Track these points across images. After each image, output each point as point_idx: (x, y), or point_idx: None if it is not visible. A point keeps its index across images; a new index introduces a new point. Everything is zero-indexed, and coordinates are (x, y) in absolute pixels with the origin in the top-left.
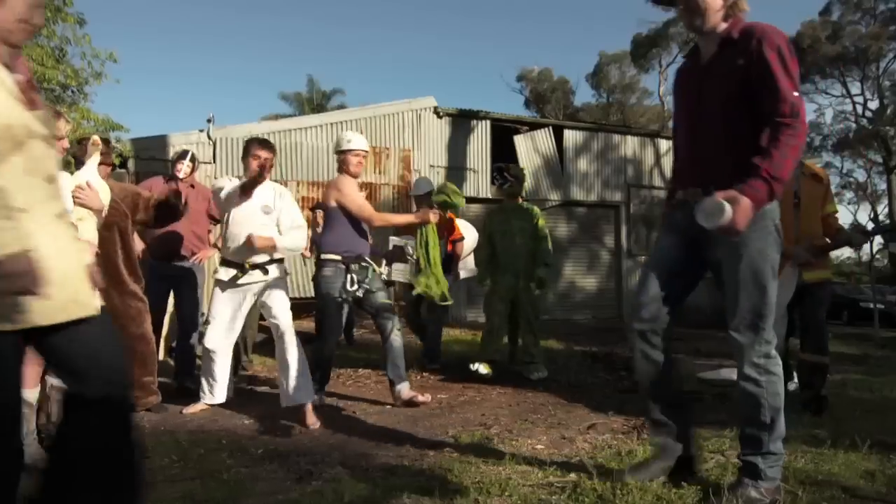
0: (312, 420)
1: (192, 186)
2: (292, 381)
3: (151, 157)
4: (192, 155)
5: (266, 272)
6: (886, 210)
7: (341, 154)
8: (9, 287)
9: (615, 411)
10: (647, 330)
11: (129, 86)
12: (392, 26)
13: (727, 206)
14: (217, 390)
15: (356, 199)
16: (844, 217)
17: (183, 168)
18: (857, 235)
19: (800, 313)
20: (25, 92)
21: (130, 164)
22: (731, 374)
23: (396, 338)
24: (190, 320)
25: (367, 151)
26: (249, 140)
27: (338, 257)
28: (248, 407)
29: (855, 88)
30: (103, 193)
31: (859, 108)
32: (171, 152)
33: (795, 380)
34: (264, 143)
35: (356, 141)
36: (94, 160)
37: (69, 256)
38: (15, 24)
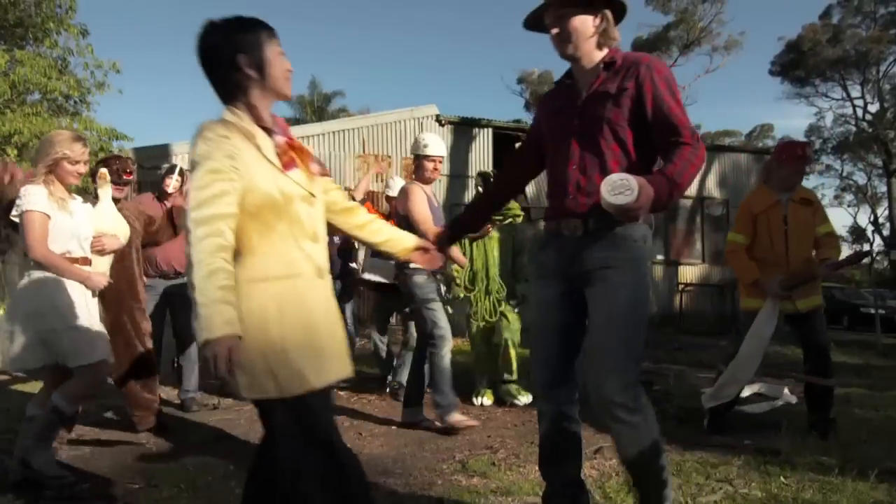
0: None
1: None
2: None
3: (154, 166)
4: (181, 169)
5: None
6: (887, 213)
7: (416, 158)
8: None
9: None
10: (561, 402)
11: (132, 93)
12: (392, 28)
13: (636, 185)
14: None
15: (421, 211)
16: (844, 219)
17: (171, 183)
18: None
19: (801, 340)
20: (285, 154)
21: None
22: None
23: (446, 354)
24: (189, 336)
25: (443, 157)
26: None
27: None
28: (256, 430)
29: (855, 92)
30: (120, 226)
31: (859, 112)
32: (175, 161)
33: (786, 391)
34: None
35: (433, 146)
36: (106, 193)
37: (330, 316)
38: (284, 78)
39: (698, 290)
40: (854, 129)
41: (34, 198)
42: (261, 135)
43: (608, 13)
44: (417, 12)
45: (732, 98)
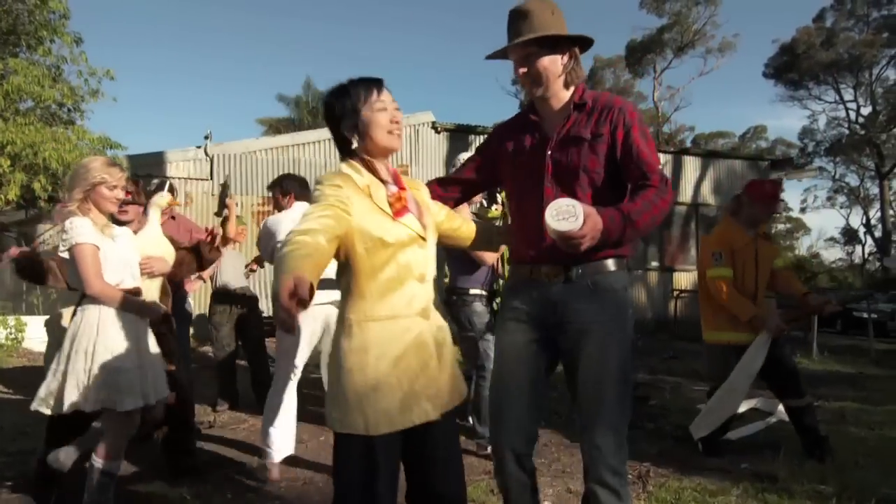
0: None
1: (173, 218)
2: None
3: (149, 174)
4: (171, 185)
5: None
6: (879, 215)
7: None
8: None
9: None
10: (521, 453)
11: (126, 100)
12: (387, 27)
13: (581, 213)
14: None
15: None
16: (837, 221)
17: (159, 200)
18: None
19: (766, 366)
20: (398, 201)
21: None
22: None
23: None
24: (184, 355)
25: None
26: None
27: (485, 293)
28: (253, 452)
29: (848, 95)
30: (166, 249)
31: (852, 115)
32: (169, 169)
33: (781, 407)
34: None
35: None
36: (155, 216)
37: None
38: (384, 135)
39: (693, 296)
40: (847, 131)
41: (81, 229)
42: (375, 185)
43: (576, 50)
44: (413, 12)
45: (726, 100)
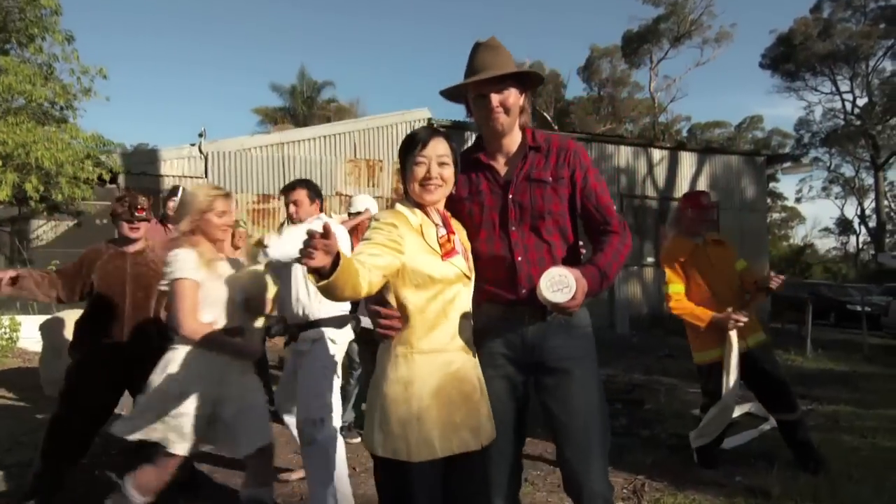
0: None
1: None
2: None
3: (142, 172)
4: (184, 190)
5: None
6: (873, 205)
7: None
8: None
9: (613, 465)
10: None
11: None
12: (382, 16)
13: (574, 284)
14: None
15: None
16: (832, 211)
17: (174, 205)
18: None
19: (755, 380)
20: (447, 243)
21: (121, 179)
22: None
23: None
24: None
25: None
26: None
27: None
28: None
29: (844, 86)
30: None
31: (848, 106)
32: (163, 167)
33: (771, 420)
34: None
35: None
36: (256, 255)
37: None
38: (417, 188)
39: None
40: (843, 122)
41: (184, 263)
42: (427, 225)
43: (529, 94)
44: (410, 2)
45: (723, 90)
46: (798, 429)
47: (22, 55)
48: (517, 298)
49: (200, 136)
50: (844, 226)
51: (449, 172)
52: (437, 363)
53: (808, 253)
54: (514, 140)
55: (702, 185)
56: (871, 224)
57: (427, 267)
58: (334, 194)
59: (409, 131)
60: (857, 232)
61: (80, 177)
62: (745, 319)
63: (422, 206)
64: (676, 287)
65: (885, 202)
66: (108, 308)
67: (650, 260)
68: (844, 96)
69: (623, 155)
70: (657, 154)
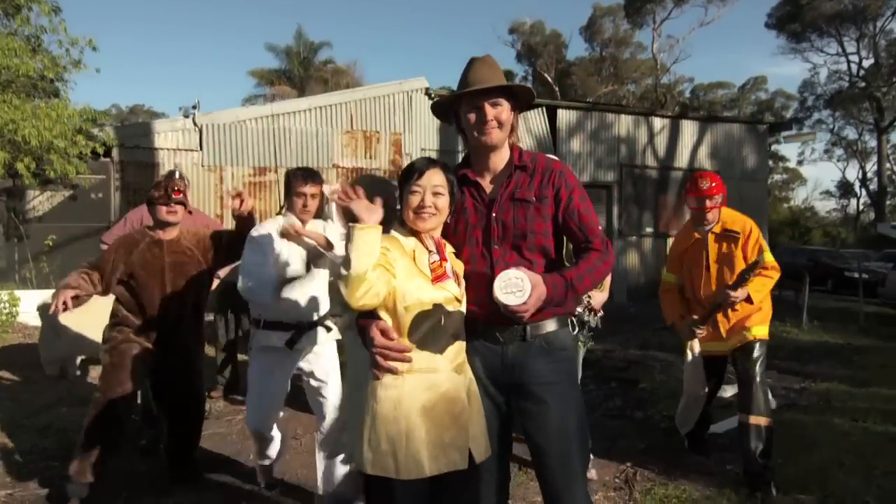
0: None
1: (190, 213)
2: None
3: (136, 145)
4: (180, 174)
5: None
6: (875, 168)
7: None
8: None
9: (607, 451)
10: None
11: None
12: None
13: (528, 288)
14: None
15: None
16: (833, 174)
17: None
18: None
19: (736, 373)
20: (439, 268)
21: (114, 153)
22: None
23: None
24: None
25: None
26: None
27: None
28: (247, 449)
29: (851, 47)
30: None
31: (854, 68)
32: (157, 140)
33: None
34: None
35: None
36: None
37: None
38: (412, 216)
39: None
40: (847, 84)
41: None
42: (420, 250)
43: (517, 113)
44: None
45: (727, 51)
46: (760, 440)
47: (10, 26)
48: (495, 316)
49: (194, 108)
50: (845, 189)
51: (443, 202)
52: (427, 383)
53: (808, 216)
54: (501, 157)
55: (703, 154)
56: (873, 187)
57: (417, 290)
58: (331, 166)
59: (406, 101)
60: (858, 195)
61: (72, 152)
62: (702, 333)
63: (416, 233)
64: (668, 276)
65: (888, 165)
66: (145, 296)
67: (649, 230)
68: (850, 58)
69: (623, 124)
70: (658, 123)
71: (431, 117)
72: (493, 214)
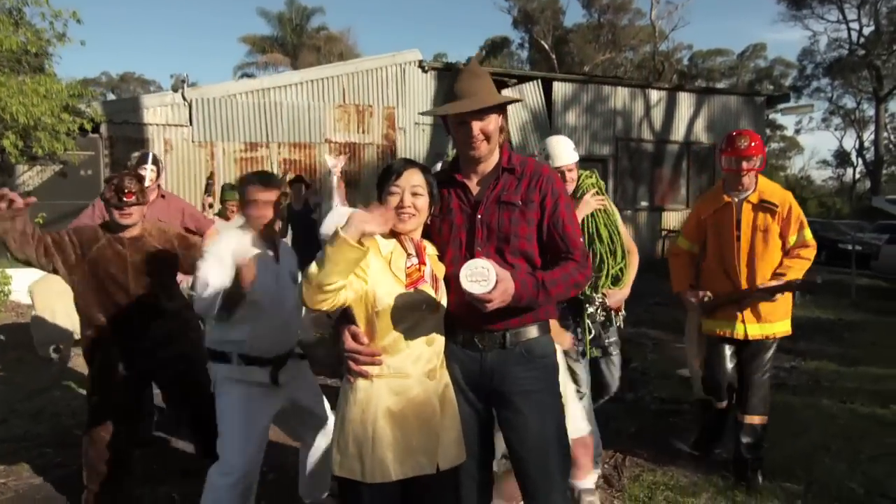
0: None
1: (163, 196)
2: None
3: (125, 121)
4: (155, 157)
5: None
6: (872, 137)
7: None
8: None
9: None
10: None
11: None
12: None
13: (493, 279)
14: None
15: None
16: (830, 143)
17: (146, 174)
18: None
19: (741, 370)
20: (415, 272)
21: (103, 129)
22: None
23: None
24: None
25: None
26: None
27: None
28: None
29: (852, 14)
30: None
31: (854, 35)
32: (146, 115)
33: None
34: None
35: (558, 154)
36: None
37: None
38: (396, 216)
39: None
40: (847, 52)
41: None
42: (397, 253)
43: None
44: None
45: (726, 17)
46: (754, 437)
47: None
48: (478, 323)
49: (183, 82)
50: (842, 158)
51: (422, 202)
52: (396, 388)
53: (804, 185)
54: (491, 161)
55: (699, 126)
56: (869, 157)
57: (388, 295)
58: (323, 141)
59: (400, 74)
60: (855, 165)
61: (60, 129)
62: (699, 312)
63: (397, 235)
64: (681, 242)
65: (885, 134)
66: (110, 300)
67: (644, 204)
68: (851, 25)
69: (620, 96)
70: (655, 95)
71: (425, 90)
72: (479, 216)
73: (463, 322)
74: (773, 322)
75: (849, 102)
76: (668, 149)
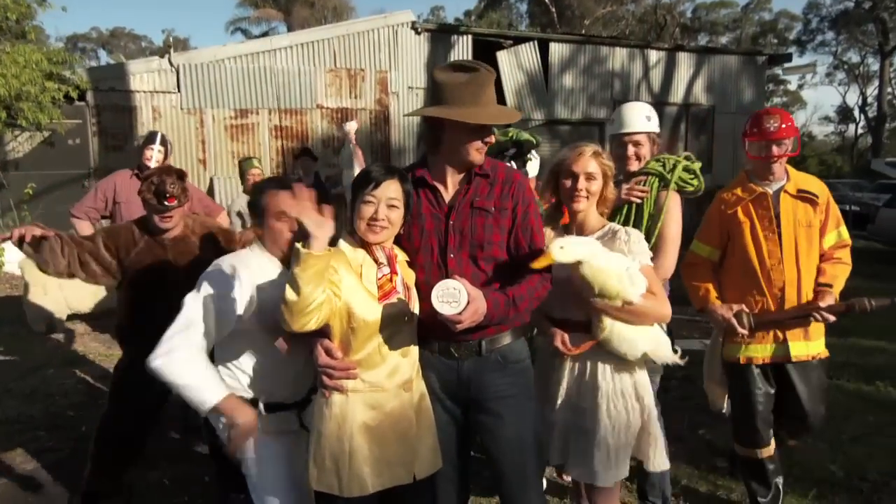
0: None
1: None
2: None
3: (111, 87)
4: (163, 137)
5: None
6: (876, 92)
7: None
8: None
9: None
10: None
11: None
12: None
13: (464, 300)
14: None
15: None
16: (833, 98)
17: (153, 156)
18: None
19: (785, 400)
20: (387, 283)
21: (89, 96)
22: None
23: None
24: None
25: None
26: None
27: None
28: None
29: None
30: None
31: None
32: (132, 82)
33: None
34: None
35: (625, 121)
36: None
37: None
38: (364, 227)
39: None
40: (853, 5)
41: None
42: (367, 265)
43: None
44: None
45: None
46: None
47: None
48: (451, 332)
49: (169, 46)
50: (845, 114)
51: (396, 215)
52: (371, 402)
53: (805, 142)
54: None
55: (699, 87)
56: (872, 113)
57: (361, 310)
58: (315, 107)
59: (392, 36)
60: (857, 121)
61: (44, 100)
62: (743, 331)
63: (366, 244)
64: (699, 248)
65: (889, 90)
66: (151, 303)
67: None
68: None
69: (618, 57)
70: (653, 56)
71: (419, 53)
72: (451, 222)
73: (437, 331)
74: (811, 339)
75: (854, 57)
76: (666, 111)
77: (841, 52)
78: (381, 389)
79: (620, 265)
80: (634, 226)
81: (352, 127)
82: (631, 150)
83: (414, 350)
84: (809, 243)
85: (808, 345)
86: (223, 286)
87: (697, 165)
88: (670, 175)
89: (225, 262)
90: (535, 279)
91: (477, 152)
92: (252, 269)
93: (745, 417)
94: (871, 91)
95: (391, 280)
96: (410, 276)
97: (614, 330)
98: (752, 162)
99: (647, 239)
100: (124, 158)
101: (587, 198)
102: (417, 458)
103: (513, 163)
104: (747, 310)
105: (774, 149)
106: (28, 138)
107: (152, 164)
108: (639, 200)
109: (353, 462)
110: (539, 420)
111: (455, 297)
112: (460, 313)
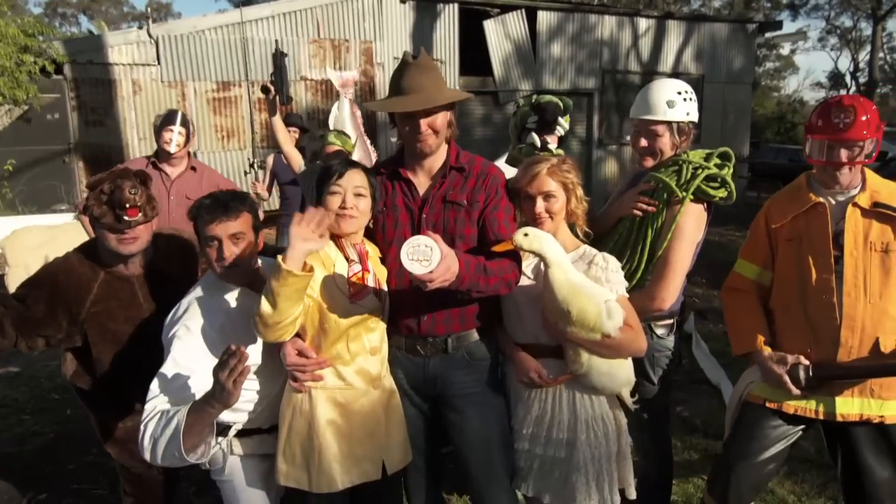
0: None
1: (193, 169)
2: None
3: (89, 60)
4: (184, 117)
5: None
6: (868, 58)
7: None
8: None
9: None
10: None
11: None
12: None
13: (437, 259)
14: None
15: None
16: (825, 64)
17: (173, 138)
18: None
19: (843, 460)
20: (359, 282)
21: (67, 69)
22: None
23: None
24: None
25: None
26: None
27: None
28: None
29: None
30: None
31: None
32: (110, 54)
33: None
34: None
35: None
36: None
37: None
38: (335, 217)
39: None
40: None
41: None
42: (340, 262)
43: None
44: None
45: None
46: None
47: None
48: (420, 328)
49: (148, 17)
50: (836, 80)
51: (365, 204)
52: (341, 400)
53: (795, 109)
54: (438, 157)
55: (688, 56)
56: (863, 79)
57: (334, 308)
58: (299, 79)
59: (377, 5)
60: (848, 87)
61: (19, 76)
62: (797, 392)
63: (337, 239)
64: (744, 267)
65: (881, 55)
66: (124, 364)
67: (629, 138)
68: None
69: (607, 26)
70: (643, 24)
71: (404, 23)
72: (424, 216)
73: (406, 327)
74: (885, 399)
75: (847, 21)
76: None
77: (834, 17)
78: (349, 387)
79: (599, 295)
80: (637, 242)
81: (343, 77)
82: (644, 142)
83: (384, 349)
84: (887, 274)
85: (869, 403)
86: (208, 319)
87: (728, 172)
88: (685, 189)
89: (198, 291)
90: (506, 262)
91: (414, 140)
92: (221, 294)
93: (732, 454)
94: (864, 56)
95: (363, 278)
96: (382, 273)
97: (592, 365)
98: (815, 167)
99: (651, 260)
100: (105, 133)
101: (551, 218)
102: (387, 454)
103: (534, 136)
104: (806, 361)
105: (843, 153)
106: (7, 111)
107: (172, 149)
108: (642, 215)
109: (322, 458)
110: (505, 417)
111: (426, 255)
112: (432, 272)
